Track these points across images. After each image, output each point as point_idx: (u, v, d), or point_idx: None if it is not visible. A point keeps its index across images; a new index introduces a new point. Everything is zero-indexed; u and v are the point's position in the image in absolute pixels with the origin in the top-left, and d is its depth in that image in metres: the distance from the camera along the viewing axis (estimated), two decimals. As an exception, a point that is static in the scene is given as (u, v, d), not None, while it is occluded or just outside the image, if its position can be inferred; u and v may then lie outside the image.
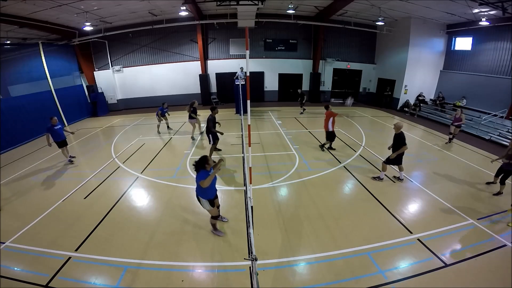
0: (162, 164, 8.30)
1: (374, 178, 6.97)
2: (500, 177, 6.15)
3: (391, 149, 6.66)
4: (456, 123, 9.67)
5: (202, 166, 4.27)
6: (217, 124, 8.16)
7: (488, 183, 6.68)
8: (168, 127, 12.10)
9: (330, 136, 8.65)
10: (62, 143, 8.36)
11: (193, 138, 10.45)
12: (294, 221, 5.26)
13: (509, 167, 5.88)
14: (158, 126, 11.64)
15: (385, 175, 6.93)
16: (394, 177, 7.03)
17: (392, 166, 6.98)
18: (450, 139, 10.05)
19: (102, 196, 6.46)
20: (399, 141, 6.33)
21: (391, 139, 6.67)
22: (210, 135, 7.99)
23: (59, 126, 8.24)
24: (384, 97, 16.88)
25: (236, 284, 3.85)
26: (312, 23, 15.97)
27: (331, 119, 8.36)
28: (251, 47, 16.28)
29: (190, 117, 10.20)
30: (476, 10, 10.93)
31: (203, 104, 17.51)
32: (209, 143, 8.17)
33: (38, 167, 8.47)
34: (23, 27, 11.00)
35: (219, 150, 9.09)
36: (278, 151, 9.11)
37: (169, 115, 11.81)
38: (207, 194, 4.38)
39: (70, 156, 8.74)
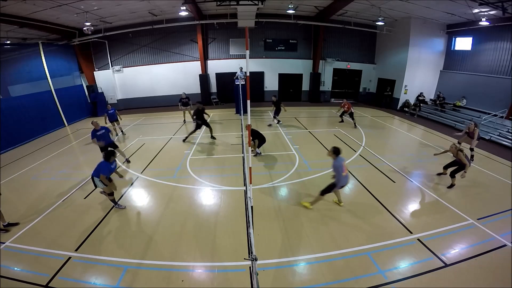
0: (162, 164, 8.29)
1: None
2: (449, 169, 6.55)
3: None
4: (474, 139, 7.98)
5: (108, 158, 5.38)
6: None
7: (439, 174, 7.07)
8: (122, 131, 11.28)
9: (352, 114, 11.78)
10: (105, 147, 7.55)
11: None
12: (294, 221, 5.26)
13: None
14: (115, 129, 10.68)
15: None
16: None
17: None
18: (472, 156, 8.19)
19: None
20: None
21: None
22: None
23: (102, 131, 7.63)
24: (384, 97, 16.88)
25: (236, 284, 3.85)
26: (312, 23, 15.96)
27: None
28: (251, 47, 16.27)
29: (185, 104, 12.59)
30: (476, 10, 10.92)
31: (203, 104, 17.43)
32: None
33: (38, 167, 8.47)
34: (23, 27, 10.99)
35: (214, 138, 10.49)
36: (278, 151, 9.11)
37: (121, 119, 11.10)
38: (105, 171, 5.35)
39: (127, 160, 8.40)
